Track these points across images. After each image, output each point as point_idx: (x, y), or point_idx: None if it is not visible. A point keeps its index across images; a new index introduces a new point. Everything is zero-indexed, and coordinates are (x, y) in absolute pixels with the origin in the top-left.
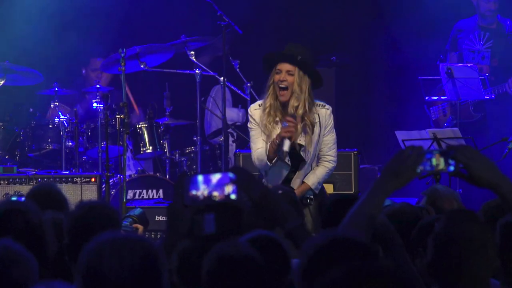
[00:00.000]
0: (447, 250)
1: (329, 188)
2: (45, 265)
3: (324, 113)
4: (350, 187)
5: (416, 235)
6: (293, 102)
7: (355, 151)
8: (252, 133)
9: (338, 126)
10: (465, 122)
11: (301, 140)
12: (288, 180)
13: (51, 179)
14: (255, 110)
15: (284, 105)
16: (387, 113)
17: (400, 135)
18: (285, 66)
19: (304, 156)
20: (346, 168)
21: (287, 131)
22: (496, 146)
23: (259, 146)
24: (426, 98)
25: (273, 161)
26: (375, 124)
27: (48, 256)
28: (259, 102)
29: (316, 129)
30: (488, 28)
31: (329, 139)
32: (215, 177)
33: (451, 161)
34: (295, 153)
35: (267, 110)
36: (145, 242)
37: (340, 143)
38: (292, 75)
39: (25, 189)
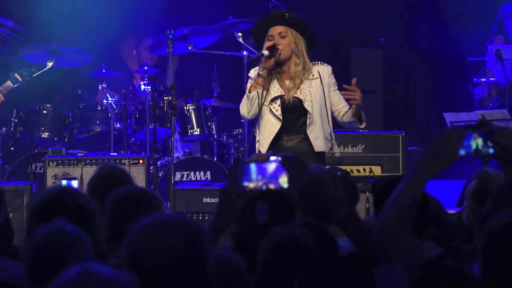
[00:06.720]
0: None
1: (376, 170)
2: (96, 249)
3: (323, 69)
4: (398, 169)
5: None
6: (294, 60)
7: (403, 133)
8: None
9: (386, 107)
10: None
11: (298, 94)
12: (278, 137)
13: (106, 161)
14: (255, 71)
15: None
16: (435, 95)
17: (449, 117)
18: (276, 29)
19: (309, 110)
20: (394, 150)
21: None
22: None
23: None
24: (475, 79)
25: (253, 94)
26: (423, 105)
27: (99, 240)
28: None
29: (318, 84)
30: None
31: (340, 97)
32: (269, 166)
33: (490, 143)
34: (288, 107)
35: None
36: (190, 224)
37: (388, 125)
38: (285, 36)
39: (73, 171)
